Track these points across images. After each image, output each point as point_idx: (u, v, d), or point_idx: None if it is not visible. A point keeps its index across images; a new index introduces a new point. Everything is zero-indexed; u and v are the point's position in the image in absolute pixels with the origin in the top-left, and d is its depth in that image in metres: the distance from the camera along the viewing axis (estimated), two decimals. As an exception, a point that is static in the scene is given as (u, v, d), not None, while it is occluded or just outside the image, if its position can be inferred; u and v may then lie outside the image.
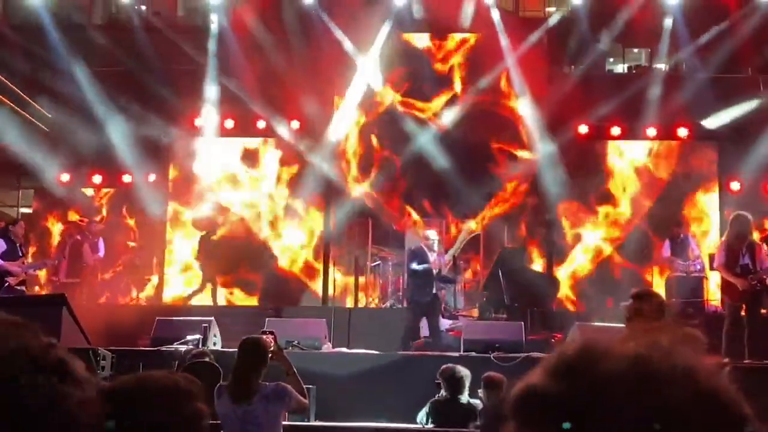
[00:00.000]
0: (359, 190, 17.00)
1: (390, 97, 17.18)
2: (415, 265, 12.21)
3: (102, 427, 0.97)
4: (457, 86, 17.16)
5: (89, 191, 17.78)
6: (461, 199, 16.49)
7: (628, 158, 17.15)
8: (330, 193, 17.05)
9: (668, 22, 16.66)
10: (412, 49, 17.22)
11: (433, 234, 12.61)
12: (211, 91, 17.09)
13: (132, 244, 17.43)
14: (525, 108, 16.76)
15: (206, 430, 2.29)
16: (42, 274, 15.96)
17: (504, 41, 16.70)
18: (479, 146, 16.73)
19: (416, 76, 17.06)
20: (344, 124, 17.10)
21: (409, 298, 12.42)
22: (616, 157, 17.15)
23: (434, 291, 12.01)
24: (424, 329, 12.33)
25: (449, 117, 16.93)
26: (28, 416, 0.91)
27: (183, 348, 10.09)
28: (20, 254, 12.83)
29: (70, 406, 0.95)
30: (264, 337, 6.15)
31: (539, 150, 16.63)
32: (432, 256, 12.08)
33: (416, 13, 16.89)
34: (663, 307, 5.69)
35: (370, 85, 17.08)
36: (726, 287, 10.87)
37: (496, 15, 16.72)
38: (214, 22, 17.21)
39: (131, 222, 17.53)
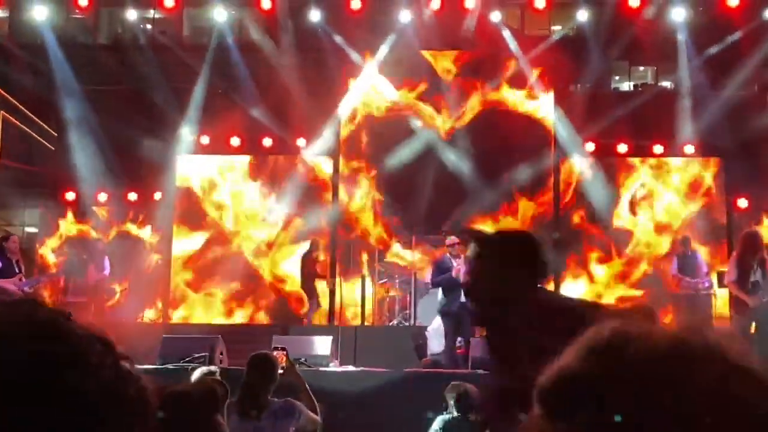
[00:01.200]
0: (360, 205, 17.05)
1: (392, 101, 17.20)
2: (432, 278, 12.06)
3: (155, 416, 0.99)
4: (464, 98, 17.21)
5: (95, 209, 17.78)
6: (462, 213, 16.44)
7: (639, 176, 17.17)
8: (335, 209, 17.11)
9: (674, 40, 16.70)
10: (416, 62, 17.26)
11: (453, 239, 12.07)
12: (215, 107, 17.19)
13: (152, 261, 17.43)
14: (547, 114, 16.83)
15: None
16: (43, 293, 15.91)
17: (515, 48, 16.79)
18: (489, 156, 16.70)
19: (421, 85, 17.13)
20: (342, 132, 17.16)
21: (438, 310, 12.07)
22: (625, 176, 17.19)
23: (462, 299, 11.30)
24: (434, 347, 12.23)
25: (456, 126, 17.03)
26: (103, 392, 0.94)
27: (190, 366, 10.03)
28: (17, 270, 12.33)
29: (139, 386, 0.98)
30: (275, 353, 6.10)
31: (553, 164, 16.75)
32: (455, 263, 11.66)
33: (424, 26, 16.90)
34: (655, 319, 5.71)
35: (373, 91, 17.12)
36: (736, 304, 10.80)
37: (507, 33, 16.84)
38: (216, 39, 17.30)
39: (141, 236, 17.49)
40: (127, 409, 0.95)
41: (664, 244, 16.73)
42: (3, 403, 0.88)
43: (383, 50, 16.89)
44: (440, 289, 11.98)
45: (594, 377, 0.83)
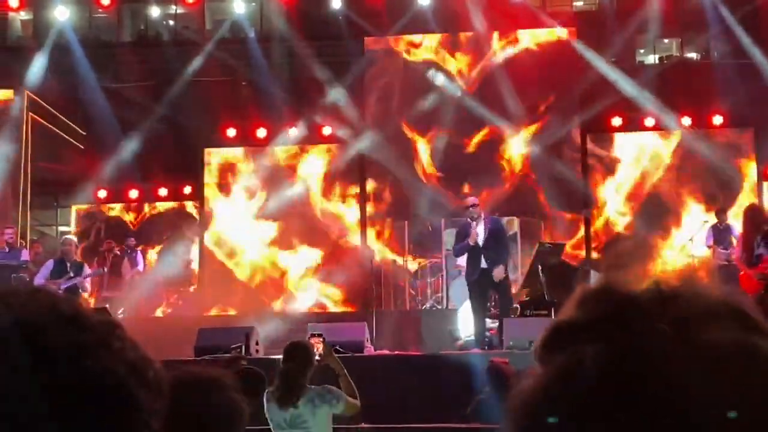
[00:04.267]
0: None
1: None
2: (454, 246, 11.44)
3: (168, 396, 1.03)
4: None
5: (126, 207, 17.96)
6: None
7: (666, 147, 17.07)
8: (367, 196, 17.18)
9: (699, 11, 16.53)
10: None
11: (472, 200, 11.29)
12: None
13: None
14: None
15: (241, 420, 2.26)
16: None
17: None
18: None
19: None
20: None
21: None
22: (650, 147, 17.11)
23: (483, 265, 10.77)
24: (467, 329, 12.17)
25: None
26: (130, 374, 0.97)
27: (226, 357, 10.12)
28: (67, 271, 12.71)
29: (156, 367, 1.02)
30: (311, 340, 6.14)
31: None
32: (474, 226, 10.86)
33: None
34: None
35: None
36: (744, 280, 10.69)
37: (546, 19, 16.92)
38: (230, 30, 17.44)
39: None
40: (151, 389, 0.98)
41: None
42: (44, 396, 0.91)
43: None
44: (465, 258, 11.27)
45: (578, 322, 0.90)
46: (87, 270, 13.11)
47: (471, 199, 11.31)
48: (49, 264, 12.65)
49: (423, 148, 17.26)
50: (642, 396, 0.83)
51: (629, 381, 0.84)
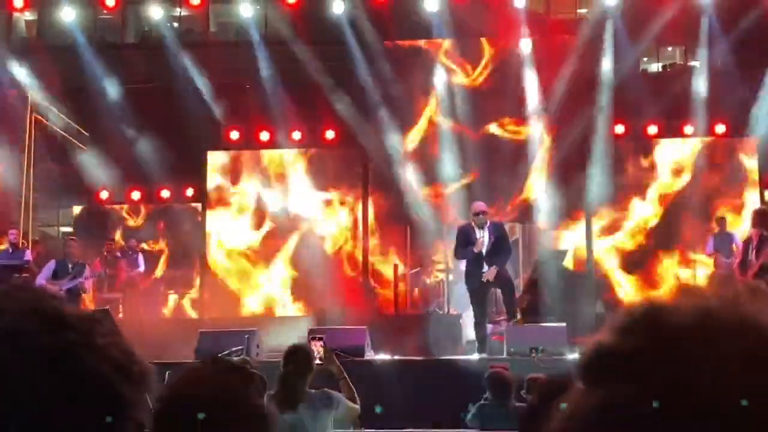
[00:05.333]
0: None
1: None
2: (455, 249, 11.25)
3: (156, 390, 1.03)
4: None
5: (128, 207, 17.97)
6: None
7: (667, 157, 17.04)
8: (369, 197, 17.19)
9: (703, 19, 16.53)
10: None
11: (481, 206, 10.99)
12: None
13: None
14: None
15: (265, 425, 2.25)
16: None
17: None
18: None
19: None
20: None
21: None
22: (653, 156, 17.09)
23: (485, 271, 10.68)
24: (469, 334, 12.16)
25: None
26: (115, 371, 0.97)
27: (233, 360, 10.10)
28: (69, 272, 12.72)
29: (142, 362, 1.03)
30: (312, 343, 6.13)
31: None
32: (479, 233, 10.74)
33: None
34: None
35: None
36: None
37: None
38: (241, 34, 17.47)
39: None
40: (137, 385, 0.98)
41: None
42: (29, 400, 0.90)
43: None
44: (465, 264, 11.21)
45: (621, 352, 0.87)
46: (88, 271, 13.11)
47: (480, 205, 11.07)
48: (51, 264, 12.66)
49: (427, 149, 17.26)
50: None
51: (667, 424, 0.82)
